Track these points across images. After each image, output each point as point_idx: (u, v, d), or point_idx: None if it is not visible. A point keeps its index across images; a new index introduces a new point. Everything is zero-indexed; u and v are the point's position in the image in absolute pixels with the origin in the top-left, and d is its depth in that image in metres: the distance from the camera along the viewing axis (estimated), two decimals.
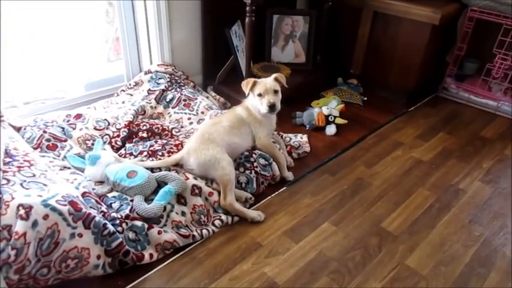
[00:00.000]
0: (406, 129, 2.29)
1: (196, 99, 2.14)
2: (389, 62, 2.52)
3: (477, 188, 1.85)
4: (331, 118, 2.21)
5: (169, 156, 1.70)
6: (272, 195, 1.72)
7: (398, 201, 1.73)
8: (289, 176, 1.81)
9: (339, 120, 2.21)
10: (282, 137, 2.04)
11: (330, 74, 2.70)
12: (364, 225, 1.60)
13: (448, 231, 1.59)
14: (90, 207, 1.39)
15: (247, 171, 1.68)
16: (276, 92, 1.75)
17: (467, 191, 1.83)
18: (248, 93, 1.78)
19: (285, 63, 2.56)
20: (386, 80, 2.58)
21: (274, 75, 1.79)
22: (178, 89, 2.18)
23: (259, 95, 1.73)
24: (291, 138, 2.06)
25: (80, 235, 1.26)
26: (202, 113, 2.07)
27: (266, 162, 1.73)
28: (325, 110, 2.21)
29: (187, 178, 1.58)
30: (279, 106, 1.75)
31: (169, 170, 1.61)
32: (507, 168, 2.01)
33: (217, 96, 2.32)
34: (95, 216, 1.30)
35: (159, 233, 1.41)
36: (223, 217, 1.54)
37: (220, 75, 2.41)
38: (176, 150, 1.73)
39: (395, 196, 1.77)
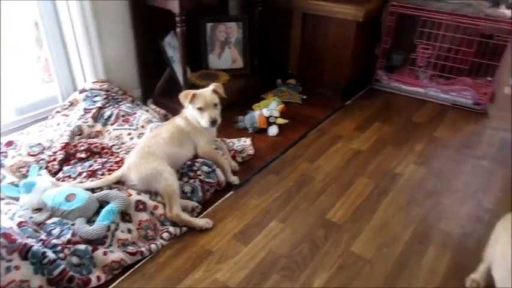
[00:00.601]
0: (344, 123, 2.40)
1: (135, 113, 2.11)
2: (322, 60, 2.63)
3: (412, 171, 1.97)
4: (272, 119, 2.26)
5: (110, 174, 1.66)
6: (219, 201, 1.73)
7: (341, 192, 1.81)
8: (235, 180, 1.83)
9: (280, 121, 2.27)
10: (225, 142, 2.06)
11: (269, 76, 2.77)
12: (310, 219, 1.65)
13: (387, 214, 1.69)
14: (28, 236, 1.34)
15: (191, 180, 1.69)
16: (215, 105, 1.76)
17: (403, 174, 1.94)
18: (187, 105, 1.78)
19: (223, 69, 2.59)
20: (321, 78, 2.69)
21: (212, 87, 1.79)
22: (115, 105, 2.13)
23: (200, 108, 1.74)
24: (234, 143, 2.08)
25: (17, 267, 1.21)
26: (143, 127, 2.04)
27: (209, 169, 1.75)
28: (265, 112, 2.26)
29: (130, 194, 1.56)
30: (219, 119, 1.76)
31: (110, 189, 1.58)
32: (437, 148, 2.16)
33: (158, 109, 2.30)
34: (32, 246, 1.25)
35: (105, 253, 1.38)
36: (171, 229, 1.53)
37: (158, 87, 2.40)
38: (117, 168, 1.69)
39: (337, 187, 1.84)
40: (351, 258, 1.48)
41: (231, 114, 2.33)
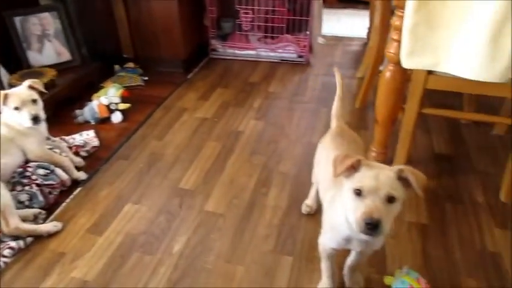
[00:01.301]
0: (188, 95, 2.48)
1: None
2: (155, 38, 2.63)
3: (252, 126, 2.16)
4: (113, 106, 2.21)
5: None
6: (67, 200, 1.66)
7: (191, 160, 1.90)
8: (81, 175, 1.76)
9: (122, 106, 2.23)
10: (65, 140, 1.94)
11: (105, 64, 2.66)
12: (164, 193, 1.71)
13: (235, 169, 1.85)
14: None
15: (27, 187, 1.57)
16: (34, 101, 1.64)
17: (245, 131, 2.12)
18: (2, 108, 1.62)
19: (50, 65, 2.38)
20: (159, 55, 2.69)
21: (27, 83, 1.65)
22: None
23: (16, 108, 1.59)
24: (75, 139, 1.98)
25: None
26: None
27: (47, 171, 1.64)
28: (104, 100, 2.19)
29: None
30: (42, 115, 1.65)
31: None
32: (272, 101, 2.40)
33: None
34: None
35: None
36: (13, 244, 1.42)
37: None
38: None
39: (187, 156, 1.93)
40: (206, 216, 1.59)
41: (69, 109, 2.21)
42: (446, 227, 1.52)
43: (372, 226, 0.88)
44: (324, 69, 2.78)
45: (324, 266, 1.24)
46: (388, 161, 1.79)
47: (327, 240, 1.14)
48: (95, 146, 1.98)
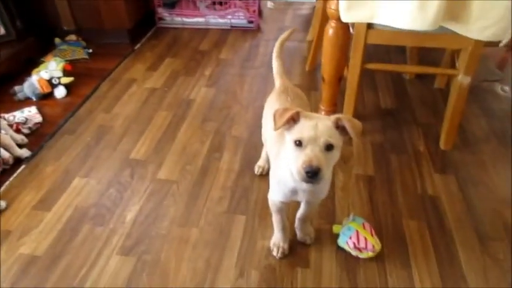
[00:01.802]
0: (136, 66, 2.39)
1: None
2: (97, 8, 2.49)
3: (204, 93, 2.13)
4: (55, 81, 2.10)
5: None
6: (10, 179, 1.59)
7: (142, 131, 1.86)
8: (24, 153, 1.68)
9: (65, 80, 2.12)
10: (4, 118, 1.84)
11: (44, 37, 2.50)
12: (114, 164, 1.67)
13: (187, 136, 1.83)
14: None
15: None
16: None
17: (196, 99, 2.09)
18: None
19: None
20: (102, 26, 2.56)
21: None
22: None
23: None
24: (15, 116, 1.87)
25: None
26: None
27: None
28: (44, 75, 2.07)
29: None
30: None
31: None
32: (223, 68, 2.37)
33: None
34: None
35: None
36: None
37: None
38: None
39: (138, 127, 1.88)
40: (159, 184, 1.58)
41: (8, 87, 2.09)
42: (391, 176, 1.60)
43: (312, 174, 0.91)
44: (275, 34, 2.75)
45: (275, 220, 1.27)
46: None
47: (275, 194, 1.17)
48: (37, 123, 1.89)
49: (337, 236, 1.32)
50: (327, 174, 0.97)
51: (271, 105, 1.32)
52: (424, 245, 1.33)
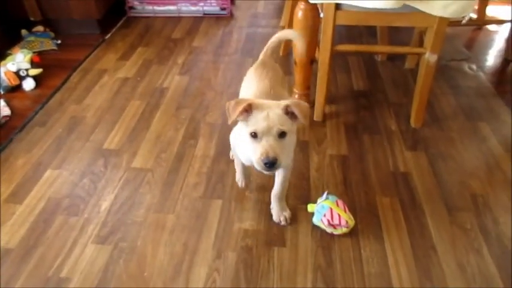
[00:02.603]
0: (107, 56, 2.35)
1: None
2: None
3: (177, 81, 2.12)
4: (23, 72, 2.04)
5: None
6: None
7: (115, 120, 1.83)
8: None
9: (33, 72, 2.07)
10: None
11: (10, 29, 2.42)
12: (87, 155, 1.64)
13: (161, 124, 1.81)
14: None
15: None
16: None
17: (170, 87, 2.07)
18: None
19: None
20: (71, 16, 2.49)
21: None
22: None
23: None
24: None
25: None
26: None
27: None
28: (11, 67, 2.02)
29: None
30: None
31: None
32: (196, 56, 2.35)
33: None
34: None
35: None
36: None
37: None
38: None
39: (110, 117, 1.86)
40: (133, 172, 1.56)
41: None
42: (364, 155, 1.63)
43: (269, 164, 0.99)
44: (248, 20, 2.75)
45: (237, 163, 1.43)
46: (310, 101, 1.86)
47: (240, 157, 1.28)
48: (6, 116, 1.84)
49: (312, 214, 1.35)
50: (284, 160, 1.04)
51: (249, 76, 1.38)
52: (396, 219, 1.36)
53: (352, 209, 1.38)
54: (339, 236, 1.31)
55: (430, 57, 1.57)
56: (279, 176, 1.29)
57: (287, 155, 1.10)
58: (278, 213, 1.36)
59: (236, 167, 1.46)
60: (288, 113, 1.02)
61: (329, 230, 1.30)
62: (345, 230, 1.29)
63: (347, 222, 1.28)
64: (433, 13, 1.37)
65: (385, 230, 1.33)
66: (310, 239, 1.31)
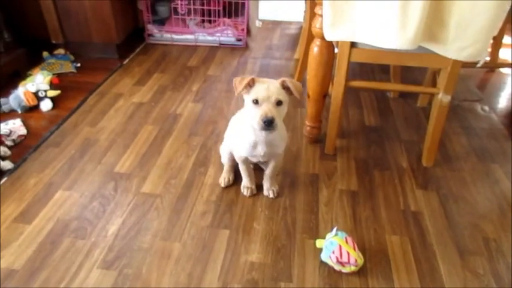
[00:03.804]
0: (124, 81, 2.40)
1: None
2: (85, 22, 2.51)
3: (190, 109, 2.15)
4: (41, 93, 2.10)
5: None
6: None
7: (127, 144, 1.86)
8: (7, 165, 1.66)
9: (51, 93, 2.12)
10: None
11: (32, 50, 2.51)
12: (98, 178, 1.66)
13: (172, 151, 1.83)
14: None
15: None
16: None
17: (183, 113, 2.10)
18: None
19: None
20: (91, 41, 2.58)
21: None
22: None
23: None
24: None
25: None
26: None
27: None
28: (30, 87, 2.07)
29: None
30: None
31: None
32: (211, 84, 2.39)
33: None
34: None
35: None
36: None
37: None
38: None
39: (123, 141, 1.88)
40: (142, 198, 1.57)
41: None
42: (374, 191, 1.62)
43: (268, 123, 1.21)
44: (262, 52, 2.81)
45: (242, 169, 1.55)
46: (321, 135, 1.87)
47: (240, 150, 1.45)
48: (22, 135, 1.87)
49: (320, 250, 1.33)
50: (279, 123, 1.26)
51: (232, 124, 1.61)
52: (406, 260, 1.34)
53: (361, 246, 1.36)
54: (347, 274, 1.28)
55: (443, 97, 1.58)
56: (271, 163, 1.51)
57: (280, 122, 1.31)
58: (268, 188, 1.57)
59: (242, 171, 1.56)
60: (284, 87, 1.26)
61: (337, 267, 1.28)
62: (353, 268, 1.27)
63: (356, 260, 1.26)
64: (448, 56, 1.39)
65: (395, 271, 1.30)
66: (318, 275, 1.28)
